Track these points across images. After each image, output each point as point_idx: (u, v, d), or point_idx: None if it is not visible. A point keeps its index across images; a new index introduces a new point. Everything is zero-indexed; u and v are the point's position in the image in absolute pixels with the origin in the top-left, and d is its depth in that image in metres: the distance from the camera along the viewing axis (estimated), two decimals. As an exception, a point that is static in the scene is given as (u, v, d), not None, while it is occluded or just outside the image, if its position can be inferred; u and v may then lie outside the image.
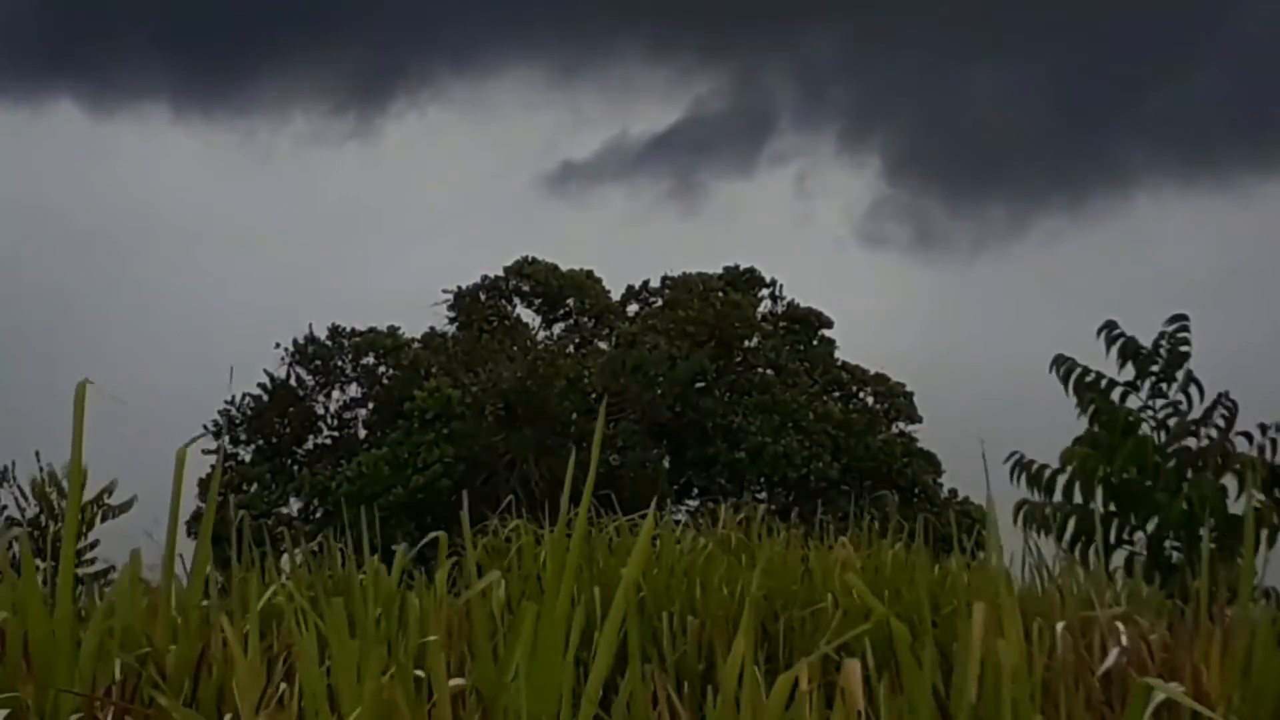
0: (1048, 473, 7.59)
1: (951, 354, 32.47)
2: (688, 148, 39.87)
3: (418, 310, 31.95)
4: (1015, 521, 7.30)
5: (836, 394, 31.87)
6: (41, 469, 10.18)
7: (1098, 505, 7.40)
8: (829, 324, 33.04)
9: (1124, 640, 3.84)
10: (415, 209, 43.37)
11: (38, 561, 5.13)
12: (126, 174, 41.00)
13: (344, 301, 33.06)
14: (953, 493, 29.66)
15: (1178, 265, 35.23)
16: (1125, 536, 7.30)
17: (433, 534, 6.26)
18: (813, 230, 44.56)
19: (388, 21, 36.96)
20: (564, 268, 33.12)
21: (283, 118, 45.24)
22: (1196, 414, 7.55)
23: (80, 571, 7.31)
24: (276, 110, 43.46)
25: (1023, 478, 7.55)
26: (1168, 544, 7.26)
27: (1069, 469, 7.48)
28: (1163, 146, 37.69)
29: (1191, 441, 7.50)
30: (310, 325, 31.39)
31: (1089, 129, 37.58)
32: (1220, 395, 7.54)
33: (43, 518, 9.97)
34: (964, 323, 36.58)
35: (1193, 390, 7.56)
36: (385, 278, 38.28)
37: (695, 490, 30.73)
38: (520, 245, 33.97)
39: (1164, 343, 7.63)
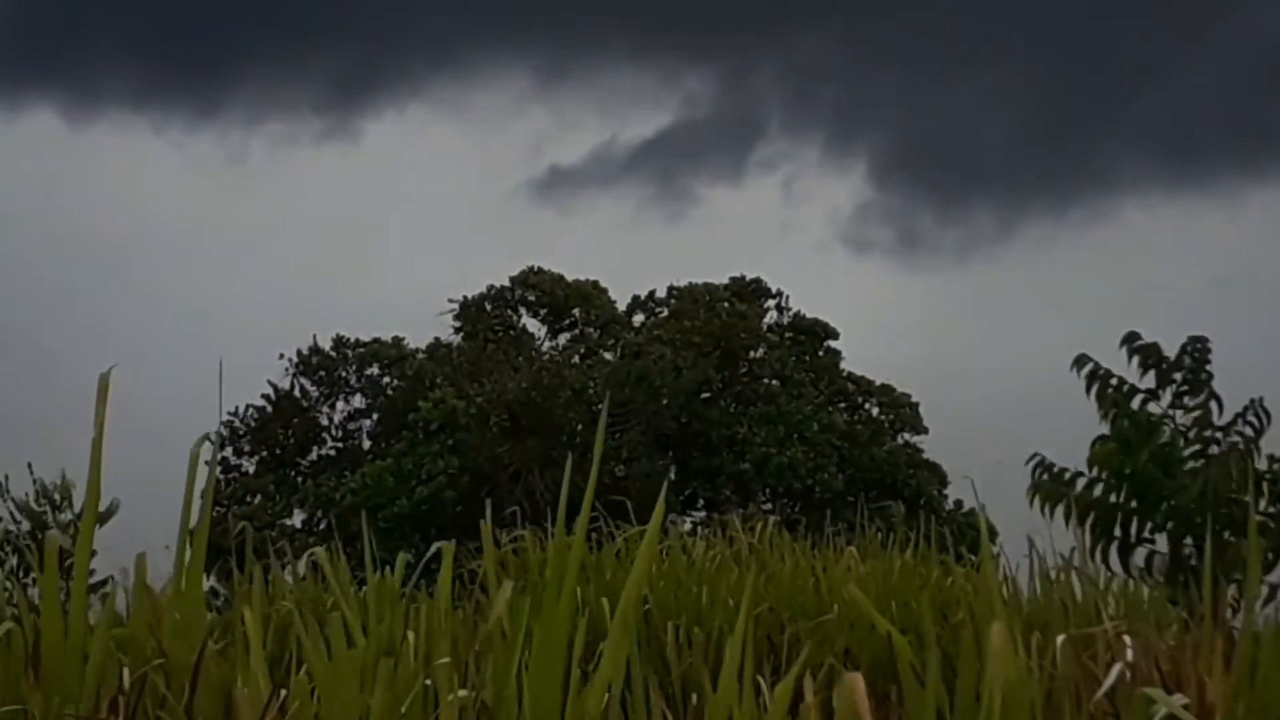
0: (1069, 474, 7.56)
1: (945, 361, 32.51)
2: (676, 153, 39.83)
3: (410, 316, 31.94)
4: (1031, 504, 7.25)
5: (842, 405, 31.84)
6: (35, 481, 10.19)
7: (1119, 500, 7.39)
8: (835, 335, 33.05)
9: (1129, 653, 3.83)
10: (402, 216, 43.18)
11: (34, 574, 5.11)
12: (110, 182, 40.81)
13: (332, 306, 33.09)
14: (958, 504, 29.63)
15: (1167, 272, 35.25)
16: (1147, 535, 7.27)
17: (438, 544, 6.25)
18: (801, 236, 44.64)
19: (371, 26, 36.87)
20: (568, 277, 33.15)
21: (266, 124, 45.13)
22: (1222, 420, 7.55)
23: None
24: (258, 116, 43.32)
25: (1044, 479, 7.53)
26: (1186, 543, 7.22)
27: (1094, 469, 7.45)
28: (1150, 152, 37.63)
29: (1214, 448, 7.49)
30: (314, 336, 31.46)
31: (1076, 135, 37.52)
32: (1251, 402, 7.53)
33: (38, 531, 9.97)
34: (955, 330, 36.58)
35: (1213, 404, 7.55)
36: (377, 284, 38.27)
37: (701, 502, 30.71)
38: (509, 250, 34.02)
39: (1187, 357, 7.63)
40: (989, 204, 42.65)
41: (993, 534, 6.80)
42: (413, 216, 42.57)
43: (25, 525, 10.12)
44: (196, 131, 46.29)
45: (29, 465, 10.13)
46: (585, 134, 51.86)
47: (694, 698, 6.11)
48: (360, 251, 41.27)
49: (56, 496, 9.99)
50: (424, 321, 31.94)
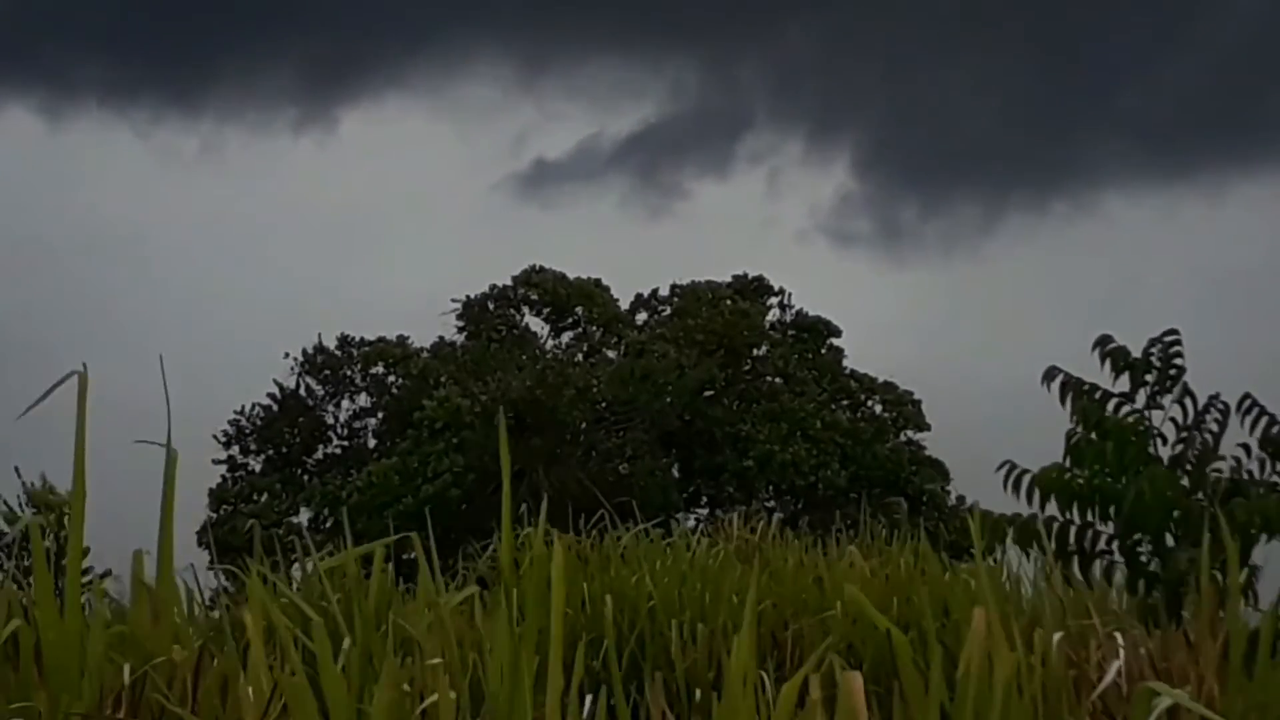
0: (1027, 477, 7.51)
1: (931, 354, 32.51)
2: (662, 147, 39.65)
3: (394, 313, 31.93)
4: (1008, 539, 7.23)
5: (845, 402, 31.86)
6: (25, 485, 10.23)
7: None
8: (837, 332, 33.05)
9: (1121, 651, 3.84)
10: (386, 211, 42.91)
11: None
12: (97, 182, 40.57)
13: (325, 308, 33.05)
14: (960, 500, 29.64)
15: (1151, 264, 35.24)
16: (1105, 546, 7.22)
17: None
18: (786, 229, 44.54)
19: (355, 24, 36.66)
20: (559, 271, 33.17)
21: (246, 115, 44.70)
22: (1188, 419, 7.49)
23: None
24: (238, 109, 43.18)
25: (1021, 488, 7.49)
26: (1141, 550, 7.17)
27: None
28: (1133, 145, 37.45)
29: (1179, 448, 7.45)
30: (319, 335, 31.53)
31: (1059, 127, 37.37)
32: (1211, 398, 7.47)
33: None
34: (940, 323, 36.54)
35: (1187, 402, 7.50)
36: (362, 283, 38.19)
37: (704, 499, 30.75)
38: (497, 245, 34.02)
39: (1155, 351, 7.57)
40: (972, 196, 42.56)
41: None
42: (398, 212, 42.48)
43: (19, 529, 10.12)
44: (173, 125, 46.03)
45: (16, 469, 10.15)
46: (570, 127, 51.64)
47: (698, 694, 6.13)
48: (347, 250, 41.18)
49: (50, 499, 10.03)
50: (410, 319, 31.84)
